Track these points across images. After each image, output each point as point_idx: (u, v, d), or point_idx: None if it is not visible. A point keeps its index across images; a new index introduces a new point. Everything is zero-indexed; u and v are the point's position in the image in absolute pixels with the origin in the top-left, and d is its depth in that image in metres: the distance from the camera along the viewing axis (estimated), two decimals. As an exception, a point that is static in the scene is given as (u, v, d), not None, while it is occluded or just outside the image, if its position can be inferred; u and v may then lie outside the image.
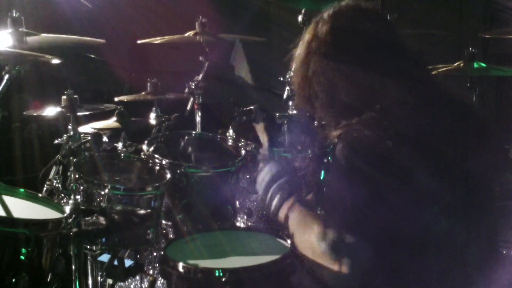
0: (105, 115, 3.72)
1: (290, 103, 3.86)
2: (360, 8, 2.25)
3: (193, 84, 4.15)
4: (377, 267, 2.05)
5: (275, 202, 2.41)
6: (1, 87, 2.89)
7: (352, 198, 2.02)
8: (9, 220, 2.42)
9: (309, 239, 2.13)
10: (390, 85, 2.12)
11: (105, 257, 2.97)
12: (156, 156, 3.28)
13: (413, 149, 2.02)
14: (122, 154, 3.39)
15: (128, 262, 2.92)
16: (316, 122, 3.62)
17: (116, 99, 4.02)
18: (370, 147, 2.02)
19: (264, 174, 2.51)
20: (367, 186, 2.00)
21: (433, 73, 3.54)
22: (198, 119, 4.16)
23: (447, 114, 2.15)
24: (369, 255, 1.99)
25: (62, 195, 3.21)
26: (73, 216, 2.53)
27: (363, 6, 2.26)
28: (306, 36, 2.29)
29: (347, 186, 2.05)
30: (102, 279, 2.97)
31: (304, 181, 3.37)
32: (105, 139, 3.53)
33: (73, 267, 2.62)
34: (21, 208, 2.63)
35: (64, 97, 2.94)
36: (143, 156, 3.34)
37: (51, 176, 3.37)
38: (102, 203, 2.80)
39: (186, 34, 4.27)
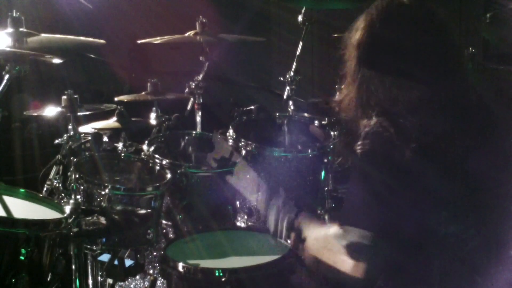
0: (105, 115, 3.71)
1: (290, 103, 3.86)
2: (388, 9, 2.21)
3: (193, 84, 4.15)
4: (381, 267, 2.05)
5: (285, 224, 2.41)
6: (1, 87, 2.89)
7: (358, 199, 2.03)
8: (9, 220, 2.42)
9: (326, 238, 2.14)
10: (408, 88, 2.11)
11: (105, 257, 2.97)
12: (156, 156, 3.28)
13: (417, 150, 2.02)
14: (122, 154, 3.39)
15: (128, 262, 2.92)
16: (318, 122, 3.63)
17: (116, 99, 4.02)
18: (376, 149, 2.03)
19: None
20: (372, 187, 2.00)
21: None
22: (198, 119, 4.16)
23: (450, 114, 2.15)
24: (386, 255, 1.99)
25: (62, 195, 3.21)
26: (73, 216, 2.53)
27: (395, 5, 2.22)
28: (358, 29, 2.24)
29: (354, 187, 2.06)
30: (102, 279, 2.97)
31: (304, 181, 3.37)
32: (105, 139, 3.53)
33: (73, 267, 2.62)
34: (21, 208, 2.63)
35: (64, 97, 2.94)
36: (143, 156, 3.34)
37: (51, 176, 3.37)
38: (102, 203, 2.80)
39: (186, 34, 4.26)
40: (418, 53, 2.14)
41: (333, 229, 2.15)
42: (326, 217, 3.42)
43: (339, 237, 2.08)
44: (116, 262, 2.84)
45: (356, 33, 2.20)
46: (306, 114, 3.84)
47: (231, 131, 3.47)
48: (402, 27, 2.16)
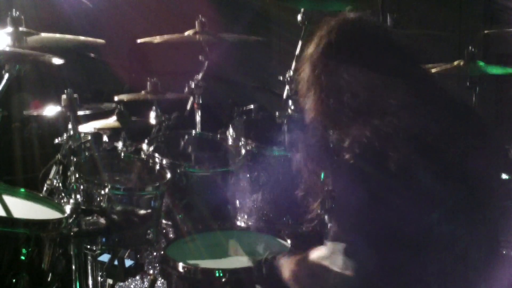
0: (105, 115, 3.71)
1: (290, 102, 3.85)
2: (362, 17, 2.28)
3: (193, 84, 4.15)
4: (377, 267, 2.05)
5: None
6: (1, 87, 2.89)
7: (354, 199, 2.03)
8: (9, 220, 2.42)
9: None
10: (391, 86, 2.13)
11: (105, 257, 2.97)
12: (156, 155, 3.28)
13: (413, 150, 2.03)
14: (122, 154, 3.39)
15: (128, 262, 2.92)
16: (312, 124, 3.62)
17: (116, 98, 4.02)
18: (371, 148, 2.03)
19: None
20: (368, 187, 2.01)
21: (432, 72, 3.55)
22: (198, 118, 4.16)
23: (447, 114, 2.16)
24: (371, 256, 2.00)
25: (62, 194, 3.21)
26: (73, 216, 2.53)
27: (364, 16, 2.29)
28: (313, 42, 2.29)
29: (350, 187, 2.06)
30: (102, 279, 2.97)
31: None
32: (105, 138, 3.53)
33: (73, 267, 2.63)
34: (21, 208, 2.63)
35: (64, 96, 2.94)
36: (143, 156, 3.34)
37: (51, 176, 3.37)
38: (102, 203, 2.80)
39: (186, 34, 4.26)
40: (388, 49, 2.23)
41: (314, 256, 2.16)
42: (326, 217, 3.41)
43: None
44: (116, 262, 2.84)
45: (320, 41, 2.24)
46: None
47: (231, 131, 3.47)
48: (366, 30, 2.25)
